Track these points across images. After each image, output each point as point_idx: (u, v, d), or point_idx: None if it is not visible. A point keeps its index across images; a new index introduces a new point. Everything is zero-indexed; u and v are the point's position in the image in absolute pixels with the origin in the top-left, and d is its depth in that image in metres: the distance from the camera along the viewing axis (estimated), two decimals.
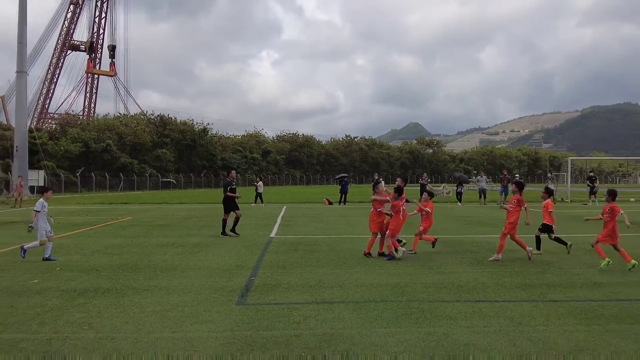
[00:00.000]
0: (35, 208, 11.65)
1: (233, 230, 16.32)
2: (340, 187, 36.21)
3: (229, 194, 16.39)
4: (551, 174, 45.68)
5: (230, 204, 16.52)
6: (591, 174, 38.57)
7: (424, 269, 10.30)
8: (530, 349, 5.60)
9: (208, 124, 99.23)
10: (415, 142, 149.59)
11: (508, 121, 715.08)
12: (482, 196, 34.80)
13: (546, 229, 12.73)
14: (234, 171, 18.42)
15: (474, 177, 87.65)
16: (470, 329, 6.29)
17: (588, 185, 36.51)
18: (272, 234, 16.52)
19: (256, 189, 35.45)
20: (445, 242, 14.53)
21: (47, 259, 11.44)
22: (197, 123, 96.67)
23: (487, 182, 36.62)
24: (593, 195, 35.33)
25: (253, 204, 33.08)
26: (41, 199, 11.89)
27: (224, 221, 16.40)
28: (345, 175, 38.78)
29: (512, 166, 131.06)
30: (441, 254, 12.27)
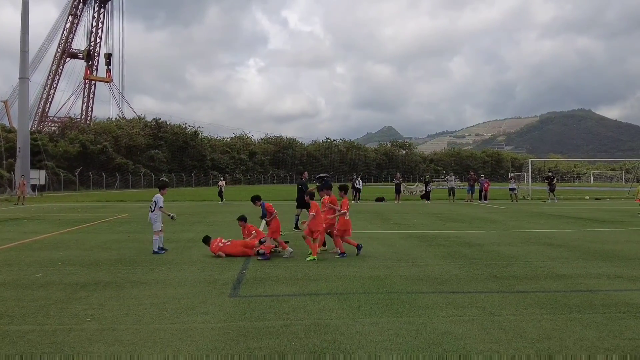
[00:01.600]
0: (159, 204, 11.93)
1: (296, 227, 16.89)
2: (318, 185, 36.13)
3: (308, 196, 16.70)
4: (513, 173, 46.04)
5: (303, 202, 17.01)
6: (549, 173, 39.00)
7: (401, 262, 10.29)
8: (502, 337, 5.60)
9: (199, 127, 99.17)
10: (390, 144, 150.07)
11: (473, 125, 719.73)
12: (452, 194, 35.02)
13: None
14: (306, 172, 18.85)
15: (443, 177, 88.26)
16: (447, 319, 6.28)
17: (547, 184, 36.88)
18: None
19: (220, 188, 35.76)
20: (420, 237, 14.57)
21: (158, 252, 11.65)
22: (188, 126, 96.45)
23: (455, 181, 36.78)
24: (551, 193, 35.74)
25: (220, 202, 33.94)
26: (159, 195, 12.19)
27: (297, 217, 17.09)
28: (326, 175, 38.76)
29: (477, 166, 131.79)
30: (416, 248, 12.28)
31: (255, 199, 12.09)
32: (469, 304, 7.00)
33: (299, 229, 16.52)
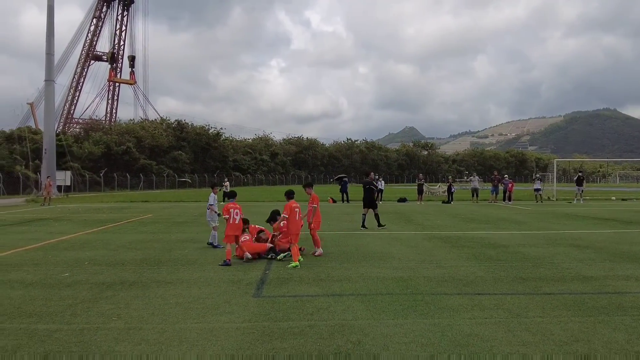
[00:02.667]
0: (209, 202, 13.16)
1: (379, 225, 17.19)
2: (340, 187, 36.18)
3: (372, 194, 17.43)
4: (538, 174, 45.45)
5: (370, 201, 17.49)
6: (579, 173, 38.30)
7: (425, 264, 10.23)
8: (529, 339, 5.54)
9: (221, 128, 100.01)
10: (411, 144, 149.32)
11: (497, 125, 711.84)
12: (475, 195, 34.70)
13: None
14: (372, 173, 18.97)
15: (465, 177, 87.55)
16: (472, 320, 6.23)
17: (578, 184, 36.04)
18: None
19: (225, 189, 35.82)
20: (443, 238, 14.46)
21: (212, 244, 12.68)
22: (211, 127, 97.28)
23: (479, 181, 36.45)
24: (579, 194, 35.16)
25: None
26: (212, 194, 13.31)
27: (364, 216, 17.40)
28: (344, 175, 38.69)
29: (501, 167, 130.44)
30: (440, 249, 12.19)
31: (306, 186, 12.22)
32: (495, 305, 6.93)
33: (366, 228, 16.93)
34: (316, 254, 11.20)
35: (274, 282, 8.51)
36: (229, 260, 10.27)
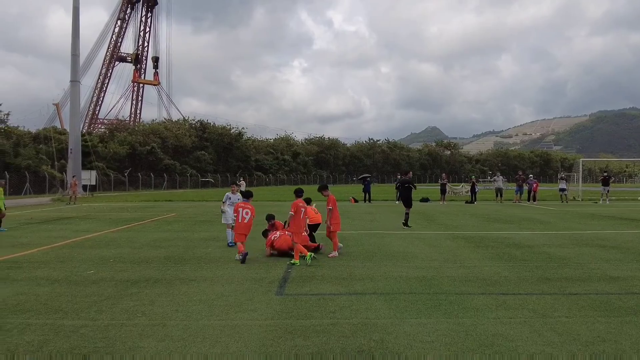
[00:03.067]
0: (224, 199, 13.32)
1: (405, 224, 17.29)
2: (363, 186, 36.08)
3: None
4: (563, 174, 44.78)
5: (406, 199, 17.76)
6: (605, 173, 37.62)
7: (448, 263, 10.15)
8: (554, 339, 5.46)
9: (243, 128, 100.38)
10: (434, 144, 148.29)
11: (521, 125, 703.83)
12: (499, 195, 34.33)
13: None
14: (410, 172, 19.38)
15: (489, 177, 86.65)
16: (497, 320, 6.16)
17: (603, 184, 35.40)
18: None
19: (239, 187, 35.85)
20: (467, 238, 14.33)
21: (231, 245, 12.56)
22: (233, 127, 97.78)
23: (503, 181, 36.05)
24: (605, 194, 34.55)
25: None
26: (228, 193, 13.42)
27: (407, 215, 17.53)
28: (368, 175, 38.57)
29: (525, 167, 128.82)
30: (464, 249, 12.09)
31: (321, 189, 12.16)
32: (520, 305, 6.85)
33: (409, 226, 17.03)
34: (330, 255, 11.09)
35: (296, 281, 8.53)
36: (242, 253, 10.41)
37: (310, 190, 14.17)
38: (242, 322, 6.14)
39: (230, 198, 13.13)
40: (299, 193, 11.29)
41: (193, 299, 7.23)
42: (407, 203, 17.75)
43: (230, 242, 12.62)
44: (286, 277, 8.78)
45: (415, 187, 18.33)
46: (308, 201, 12.17)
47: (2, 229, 16.38)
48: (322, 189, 12.17)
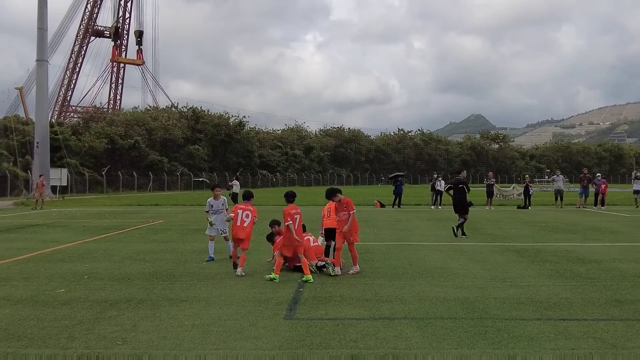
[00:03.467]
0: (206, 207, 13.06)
1: (458, 232, 17.49)
2: (393, 187, 35.96)
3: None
4: (638, 172, 44.35)
5: (462, 205, 17.91)
6: None
7: (496, 282, 10.12)
8: None
9: (244, 117, 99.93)
10: (479, 136, 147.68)
11: (586, 112, 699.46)
12: (559, 198, 34.11)
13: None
14: (464, 171, 19.93)
15: (547, 177, 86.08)
16: (556, 352, 6.13)
17: None
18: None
19: (231, 189, 36.55)
20: (519, 250, 14.27)
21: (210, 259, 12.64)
22: (232, 116, 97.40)
23: (564, 182, 35.79)
24: None
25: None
26: (209, 199, 13.07)
27: (463, 221, 17.71)
28: (401, 174, 38.51)
29: (592, 164, 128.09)
30: (515, 265, 12.04)
31: (331, 195, 11.81)
32: (585, 334, 6.81)
33: (465, 235, 17.23)
34: (351, 272, 11.04)
35: (309, 302, 8.55)
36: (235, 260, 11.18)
37: (317, 192, 14.09)
38: (242, 351, 6.16)
39: (212, 206, 12.88)
40: (290, 198, 11.17)
41: (184, 324, 7.27)
42: (462, 209, 17.73)
43: (211, 257, 12.63)
44: (297, 298, 8.80)
45: (469, 189, 18.17)
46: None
47: None
48: (332, 194, 11.73)
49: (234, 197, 35.17)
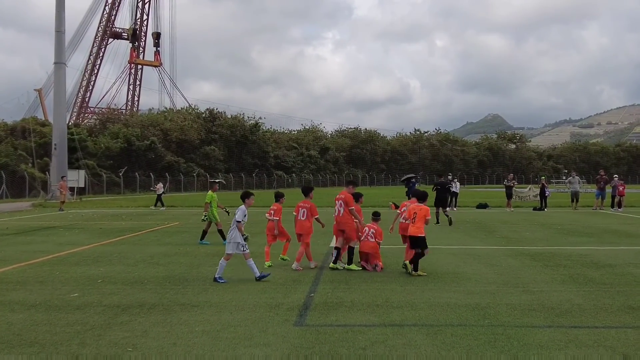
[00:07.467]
0: (236, 218, 10.80)
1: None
2: (406, 189, 35.75)
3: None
4: None
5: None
6: None
7: (508, 287, 10.07)
8: None
9: (260, 118, 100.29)
10: (495, 137, 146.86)
11: (606, 111, 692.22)
12: (575, 200, 33.83)
13: None
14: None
15: (563, 178, 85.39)
16: None
17: None
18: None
19: (156, 192, 38.42)
20: (533, 254, 14.19)
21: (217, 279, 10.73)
22: (248, 117, 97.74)
23: (580, 183, 35.50)
24: None
25: (162, 208, 36.31)
26: (242, 207, 11.06)
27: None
28: (413, 176, 38.35)
29: (609, 165, 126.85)
30: (528, 269, 11.97)
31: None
32: (595, 342, 6.76)
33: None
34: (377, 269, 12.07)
35: (320, 308, 8.55)
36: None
37: (332, 193, 14.01)
38: (252, 358, 6.18)
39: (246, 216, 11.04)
40: (279, 197, 12.97)
41: (195, 330, 7.31)
42: (444, 204, 18.05)
43: (222, 279, 10.65)
44: (308, 304, 8.81)
45: (450, 190, 18.89)
46: (357, 196, 13.28)
47: None
48: (350, 183, 13.29)
49: (159, 199, 37.53)
